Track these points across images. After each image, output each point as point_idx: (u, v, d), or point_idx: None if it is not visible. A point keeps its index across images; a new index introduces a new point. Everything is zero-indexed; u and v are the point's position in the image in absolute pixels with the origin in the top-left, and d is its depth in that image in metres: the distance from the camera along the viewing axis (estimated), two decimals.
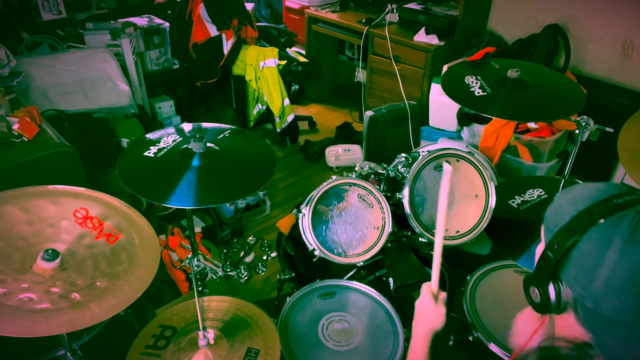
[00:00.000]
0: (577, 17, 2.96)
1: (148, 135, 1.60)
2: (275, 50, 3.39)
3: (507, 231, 1.84)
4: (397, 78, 3.33)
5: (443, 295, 1.19)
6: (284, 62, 3.45)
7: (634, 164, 1.46)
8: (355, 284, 1.69)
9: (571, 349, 0.75)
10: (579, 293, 0.72)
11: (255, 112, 3.61)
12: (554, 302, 0.75)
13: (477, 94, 1.75)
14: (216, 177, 1.45)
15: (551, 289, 0.75)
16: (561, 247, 0.73)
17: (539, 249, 0.82)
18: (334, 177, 1.76)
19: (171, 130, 1.64)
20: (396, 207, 1.82)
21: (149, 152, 1.50)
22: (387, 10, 3.50)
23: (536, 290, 0.78)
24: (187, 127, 1.67)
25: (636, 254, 0.67)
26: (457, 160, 1.84)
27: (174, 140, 1.56)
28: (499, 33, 3.33)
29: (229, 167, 1.49)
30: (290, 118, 3.51)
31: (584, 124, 1.64)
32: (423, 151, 1.87)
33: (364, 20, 3.51)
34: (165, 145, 1.53)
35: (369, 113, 3.05)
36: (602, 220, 0.70)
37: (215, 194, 1.41)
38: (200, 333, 1.28)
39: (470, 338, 1.55)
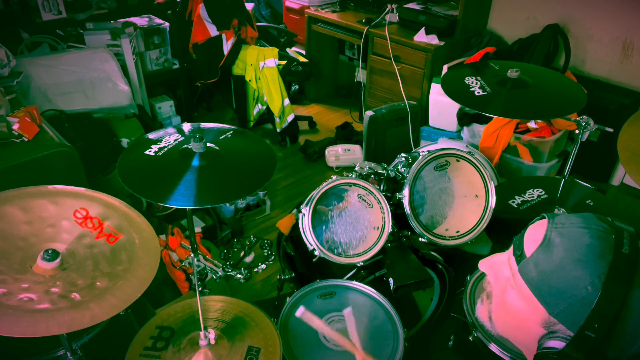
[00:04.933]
0: (577, 17, 2.96)
1: (149, 135, 1.60)
2: (275, 50, 3.38)
3: (507, 231, 1.84)
4: (397, 78, 3.32)
5: None
6: (284, 62, 3.45)
7: (634, 164, 1.46)
8: (355, 284, 1.69)
9: None
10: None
11: (255, 112, 3.61)
12: None
13: (477, 94, 1.76)
14: (216, 177, 1.45)
15: None
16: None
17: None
18: (334, 177, 1.76)
19: (172, 130, 1.64)
20: (396, 207, 1.82)
21: (150, 151, 1.50)
22: (387, 10, 3.50)
23: None
24: (188, 127, 1.67)
25: None
26: (457, 160, 1.84)
27: (175, 140, 1.56)
28: (499, 33, 3.33)
29: (229, 167, 1.49)
30: (290, 118, 3.51)
31: (584, 124, 1.64)
32: (423, 151, 1.87)
33: (364, 20, 3.51)
34: (166, 145, 1.54)
35: (369, 113, 3.05)
36: None
37: (215, 194, 1.41)
38: (202, 333, 1.27)
39: (470, 338, 1.55)
